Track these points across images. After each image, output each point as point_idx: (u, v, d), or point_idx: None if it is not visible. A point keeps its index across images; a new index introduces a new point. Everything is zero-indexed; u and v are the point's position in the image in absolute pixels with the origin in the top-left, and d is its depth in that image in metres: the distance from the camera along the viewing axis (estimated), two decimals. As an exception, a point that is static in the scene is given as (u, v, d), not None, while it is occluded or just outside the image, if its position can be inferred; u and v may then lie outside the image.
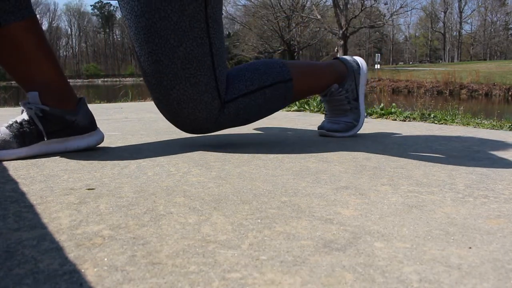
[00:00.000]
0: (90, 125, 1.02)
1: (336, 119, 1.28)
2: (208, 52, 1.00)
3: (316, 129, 1.45)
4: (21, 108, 0.96)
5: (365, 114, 1.27)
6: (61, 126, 0.97)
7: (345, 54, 26.44)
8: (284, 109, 2.37)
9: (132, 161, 0.90)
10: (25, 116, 0.95)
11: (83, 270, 0.41)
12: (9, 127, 0.94)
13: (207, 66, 1.00)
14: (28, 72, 0.95)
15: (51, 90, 0.97)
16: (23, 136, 0.93)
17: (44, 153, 0.97)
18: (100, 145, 1.11)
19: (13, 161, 0.91)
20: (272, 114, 2.03)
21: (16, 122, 0.95)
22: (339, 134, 1.27)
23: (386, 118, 1.84)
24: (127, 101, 3.22)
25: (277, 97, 1.11)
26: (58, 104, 0.97)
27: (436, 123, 1.69)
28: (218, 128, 1.09)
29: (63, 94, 0.99)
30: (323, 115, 1.96)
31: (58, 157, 0.95)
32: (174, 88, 0.99)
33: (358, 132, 1.37)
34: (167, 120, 1.48)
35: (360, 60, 1.31)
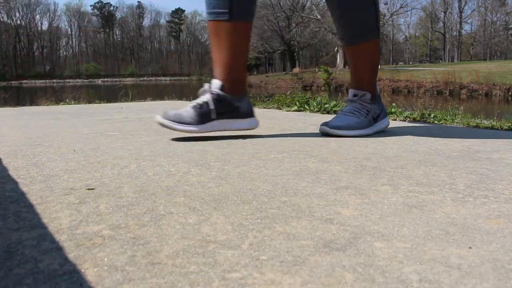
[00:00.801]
0: (250, 112, 1.28)
1: (346, 116, 1.33)
2: None
3: (317, 129, 1.45)
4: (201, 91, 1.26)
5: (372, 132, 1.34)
6: (229, 109, 1.24)
7: (345, 54, 26.36)
8: (284, 109, 2.37)
9: (132, 161, 0.90)
10: (204, 98, 1.23)
11: (83, 270, 0.41)
12: (193, 107, 1.22)
13: None
14: (223, 62, 1.26)
15: (230, 80, 1.24)
16: (202, 115, 1.20)
17: (212, 131, 1.23)
18: (100, 145, 1.11)
19: (12, 161, 0.91)
20: (272, 114, 2.03)
21: (197, 103, 1.22)
22: (341, 132, 1.27)
23: (386, 118, 1.84)
24: (127, 101, 3.22)
25: (362, 21, 1.36)
26: (231, 92, 1.24)
27: (436, 123, 1.69)
28: None
29: (237, 85, 1.26)
30: (323, 115, 1.96)
31: (58, 157, 0.95)
32: None
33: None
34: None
35: (388, 119, 1.44)
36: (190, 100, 3.44)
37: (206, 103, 1.20)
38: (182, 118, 1.19)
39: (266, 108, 2.46)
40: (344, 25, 1.36)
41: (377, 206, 0.61)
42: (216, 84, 1.21)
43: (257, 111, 2.26)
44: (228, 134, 1.32)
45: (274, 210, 0.59)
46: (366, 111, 1.34)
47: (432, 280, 0.39)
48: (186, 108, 1.19)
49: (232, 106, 1.23)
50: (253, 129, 1.30)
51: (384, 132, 1.38)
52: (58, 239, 0.48)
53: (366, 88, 1.37)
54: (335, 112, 2.09)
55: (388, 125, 1.42)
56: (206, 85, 1.23)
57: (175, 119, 1.19)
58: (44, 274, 0.40)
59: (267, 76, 30.11)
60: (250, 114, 1.27)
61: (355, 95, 1.37)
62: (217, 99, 1.20)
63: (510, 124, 1.58)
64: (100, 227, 0.52)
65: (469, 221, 0.54)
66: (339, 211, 0.58)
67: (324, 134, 1.30)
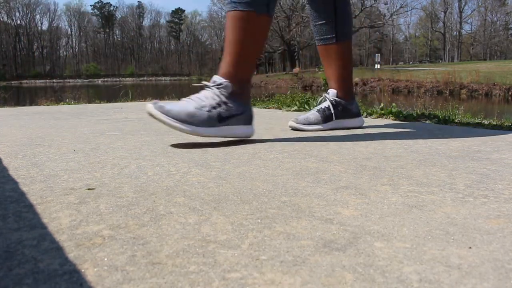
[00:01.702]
0: (358, 113, 1.50)
1: (312, 113, 1.48)
2: None
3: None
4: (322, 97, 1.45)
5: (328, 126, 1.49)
6: (343, 111, 1.46)
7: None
8: (284, 109, 2.37)
9: (132, 161, 0.90)
10: (325, 104, 1.46)
11: (83, 270, 0.41)
12: (318, 111, 1.44)
13: None
14: (336, 76, 1.50)
15: (343, 88, 1.49)
16: (325, 117, 1.44)
17: (332, 128, 1.44)
18: (100, 145, 1.11)
19: (12, 161, 0.91)
20: (272, 114, 2.03)
21: (321, 108, 1.44)
22: (305, 127, 1.43)
23: (386, 118, 1.84)
24: (127, 101, 3.22)
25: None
26: (344, 97, 1.48)
27: (436, 123, 1.69)
28: None
29: (348, 91, 1.50)
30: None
31: (58, 157, 0.95)
32: None
33: (358, 132, 1.37)
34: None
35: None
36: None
37: (328, 107, 1.45)
38: (309, 120, 1.43)
39: (266, 108, 2.46)
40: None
41: (377, 206, 0.61)
42: (333, 92, 1.49)
43: (257, 111, 2.26)
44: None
45: (274, 210, 0.59)
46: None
47: (432, 280, 0.39)
48: (312, 112, 1.46)
49: (346, 109, 1.47)
50: (362, 126, 1.51)
51: (384, 132, 1.38)
52: (58, 239, 0.48)
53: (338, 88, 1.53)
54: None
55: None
56: (325, 94, 1.50)
57: (305, 122, 1.43)
58: (44, 274, 0.40)
59: (267, 76, 30.12)
60: (358, 114, 1.51)
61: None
62: (335, 104, 1.45)
63: (510, 124, 1.58)
64: (100, 227, 0.52)
65: (469, 221, 0.54)
66: (339, 211, 0.58)
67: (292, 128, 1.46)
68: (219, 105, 1.11)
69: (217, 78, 1.14)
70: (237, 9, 1.15)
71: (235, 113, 1.13)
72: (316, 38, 1.55)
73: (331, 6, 1.47)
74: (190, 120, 1.08)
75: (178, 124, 1.08)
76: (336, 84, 1.50)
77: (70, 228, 0.52)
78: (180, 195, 0.66)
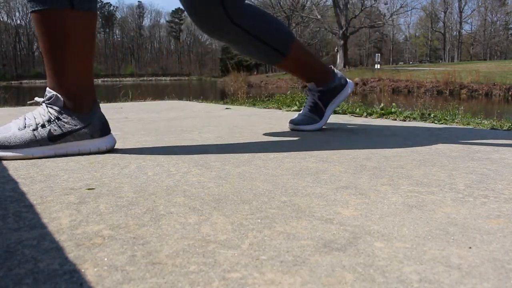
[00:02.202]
0: (345, 81, 1.45)
1: (305, 113, 1.46)
2: None
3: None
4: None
5: (327, 119, 1.50)
6: (330, 93, 1.45)
7: (345, 54, 26.44)
8: (284, 109, 2.37)
9: (132, 161, 0.90)
10: (311, 99, 1.45)
11: (83, 270, 0.41)
12: (310, 110, 1.43)
13: None
14: (305, 76, 1.44)
15: (317, 78, 1.43)
16: (317, 111, 1.44)
17: (327, 119, 1.46)
18: (100, 145, 1.11)
19: (13, 161, 0.91)
20: (272, 114, 2.03)
21: (310, 105, 1.44)
22: (302, 127, 1.42)
23: (386, 118, 1.84)
24: (127, 101, 3.22)
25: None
26: (324, 82, 1.44)
27: (436, 123, 1.69)
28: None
29: (323, 76, 1.45)
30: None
31: (58, 157, 0.95)
32: None
33: (358, 132, 1.37)
34: (166, 120, 1.49)
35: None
36: (190, 100, 3.43)
37: (315, 102, 1.42)
38: (305, 120, 1.42)
39: (266, 108, 2.45)
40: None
41: (377, 206, 0.61)
42: (312, 86, 1.44)
43: (257, 111, 2.26)
44: (228, 134, 1.32)
45: (274, 210, 0.59)
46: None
47: (432, 280, 0.39)
48: (304, 111, 1.44)
49: (331, 90, 1.43)
50: (352, 89, 1.49)
51: (384, 132, 1.38)
52: (58, 239, 0.48)
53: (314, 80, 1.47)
54: (335, 112, 2.09)
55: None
56: (306, 90, 1.45)
57: (302, 123, 1.42)
58: (44, 274, 0.40)
59: (267, 76, 30.13)
60: (346, 82, 1.46)
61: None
62: (320, 95, 1.43)
63: (510, 124, 1.58)
64: (100, 227, 0.52)
65: (469, 221, 0.54)
66: (339, 211, 0.58)
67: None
68: (49, 122, 0.95)
69: (47, 91, 0.98)
70: (35, 9, 0.92)
71: (72, 129, 0.96)
72: (269, 64, 1.47)
73: (249, 37, 1.28)
74: (8, 144, 0.93)
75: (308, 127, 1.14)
76: (310, 80, 1.46)
77: (70, 228, 0.52)
78: (180, 195, 0.66)
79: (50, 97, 0.96)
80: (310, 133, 1.37)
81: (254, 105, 2.71)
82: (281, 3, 32.08)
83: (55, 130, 0.95)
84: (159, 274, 0.40)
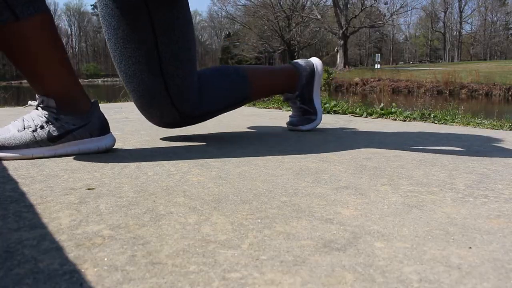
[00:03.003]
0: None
1: (298, 116, 1.45)
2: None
3: (317, 129, 1.45)
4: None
5: (322, 110, 1.53)
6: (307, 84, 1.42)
7: (345, 54, 26.44)
8: (284, 109, 2.37)
9: (132, 161, 0.90)
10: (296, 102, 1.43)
11: (83, 270, 0.41)
12: (298, 110, 1.41)
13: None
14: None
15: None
16: (304, 112, 1.43)
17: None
18: (100, 145, 1.11)
19: (13, 161, 0.91)
20: (272, 114, 2.03)
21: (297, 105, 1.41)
22: (301, 127, 1.42)
23: (386, 118, 1.84)
24: (127, 101, 3.23)
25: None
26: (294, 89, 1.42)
27: (436, 123, 1.69)
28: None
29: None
30: (323, 115, 1.96)
31: (58, 157, 0.95)
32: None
33: (358, 132, 1.37)
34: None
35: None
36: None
37: (301, 107, 1.43)
38: (298, 121, 1.42)
39: (266, 108, 2.45)
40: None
41: (377, 206, 0.61)
42: (288, 95, 1.44)
43: (257, 111, 2.26)
44: (228, 134, 1.32)
45: (274, 210, 0.59)
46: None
47: (432, 280, 0.39)
48: (297, 115, 1.43)
49: (310, 82, 1.42)
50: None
51: (384, 132, 1.38)
52: (58, 239, 0.48)
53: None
54: (335, 112, 2.09)
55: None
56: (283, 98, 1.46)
57: (299, 123, 1.42)
58: (44, 274, 0.40)
59: (267, 76, 30.00)
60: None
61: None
62: (300, 97, 1.42)
63: (510, 124, 1.58)
64: (100, 227, 0.52)
65: (469, 221, 0.54)
66: (339, 211, 0.58)
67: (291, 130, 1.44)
68: (47, 123, 0.96)
69: (37, 96, 0.98)
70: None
71: (70, 128, 0.97)
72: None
73: (213, 114, 1.25)
74: (8, 145, 0.93)
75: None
76: (283, 91, 1.43)
77: (70, 228, 0.52)
78: (180, 195, 0.66)
79: (42, 101, 0.96)
80: (310, 133, 1.37)
81: (254, 105, 2.71)
82: (281, 3, 32.07)
83: (54, 130, 0.95)
84: (159, 274, 0.40)
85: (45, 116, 0.96)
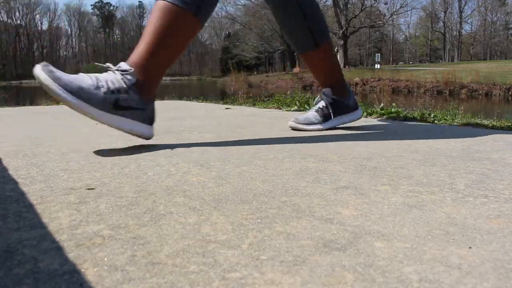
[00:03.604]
0: (356, 105, 1.51)
1: (311, 112, 1.47)
2: None
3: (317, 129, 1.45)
4: None
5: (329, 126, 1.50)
6: (341, 107, 1.48)
7: (345, 53, 26.42)
8: (284, 109, 2.37)
9: (132, 161, 0.90)
10: (322, 103, 1.47)
11: (83, 270, 0.41)
12: (317, 111, 1.46)
13: None
14: (327, 78, 1.48)
15: (336, 85, 1.48)
16: (324, 116, 1.45)
17: (331, 127, 1.45)
18: (100, 145, 1.11)
19: (12, 161, 0.91)
20: (272, 114, 2.03)
21: (319, 107, 1.46)
22: (304, 126, 1.43)
23: (386, 118, 1.84)
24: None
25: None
26: (340, 94, 1.47)
27: (436, 123, 1.69)
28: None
29: (342, 87, 1.50)
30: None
31: (58, 157, 0.95)
32: None
33: (358, 132, 1.37)
34: (166, 120, 1.49)
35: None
36: (190, 100, 3.43)
37: (326, 106, 1.46)
38: (309, 120, 1.45)
39: (266, 108, 2.45)
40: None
41: (377, 206, 0.61)
42: (328, 91, 1.47)
43: (257, 111, 2.26)
44: (229, 134, 1.32)
45: (274, 210, 0.59)
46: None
47: (432, 280, 0.39)
48: (311, 111, 1.47)
49: (343, 104, 1.47)
50: (359, 119, 1.55)
51: (384, 132, 1.38)
52: (58, 239, 0.48)
53: (329, 85, 1.50)
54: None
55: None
56: (320, 94, 1.49)
57: (305, 121, 1.44)
58: (44, 274, 0.40)
59: (267, 76, 30.12)
60: (356, 107, 1.51)
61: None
62: (332, 102, 1.46)
63: (510, 124, 1.58)
64: (100, 227, 0.52)
65: (469, 221, 0.54)
66: (339, 211, 0.58)
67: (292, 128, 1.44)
68: (118, 91, 1.00)
69: (123, 64, 1.05)
70: (170, 2, 1.06)
71: (134, 106, 1.02)
72: (295, 49, 1.53)
73: (300, 18, 1.41)
74: (80, 94, 0.95)
75: (65, 95, 0.93)
76: (329, 84, 1.49)
77: (70, 228, 0.52)
78: (180, 195, 0.66)
79: (127, 70, 1.04)
80: (310, 133, 1.37)
81: (254, 105, 2.71)
82: (281, 3, 31.99)
83: (122, 100, 1.01)
84: (159, 274, 0.40)
85: (119, 83, 1.02)
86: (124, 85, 1.01)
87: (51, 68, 0.98)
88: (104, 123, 1.00)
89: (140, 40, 1.07)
